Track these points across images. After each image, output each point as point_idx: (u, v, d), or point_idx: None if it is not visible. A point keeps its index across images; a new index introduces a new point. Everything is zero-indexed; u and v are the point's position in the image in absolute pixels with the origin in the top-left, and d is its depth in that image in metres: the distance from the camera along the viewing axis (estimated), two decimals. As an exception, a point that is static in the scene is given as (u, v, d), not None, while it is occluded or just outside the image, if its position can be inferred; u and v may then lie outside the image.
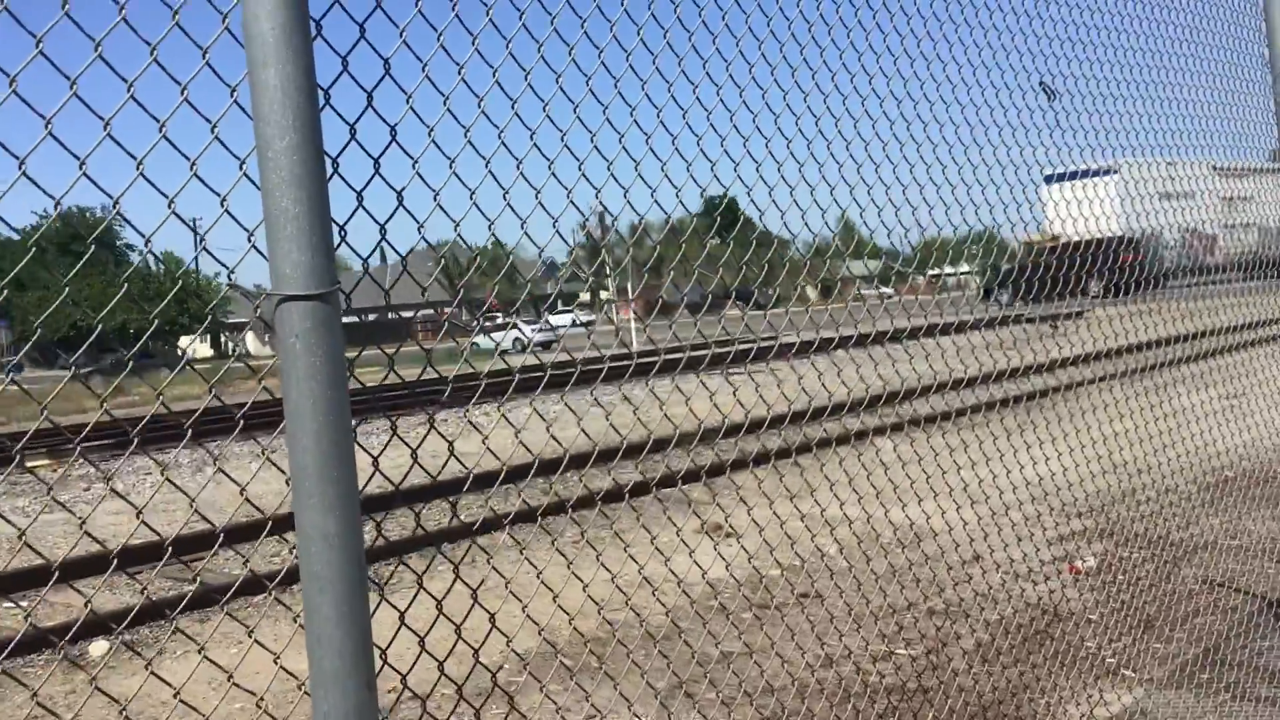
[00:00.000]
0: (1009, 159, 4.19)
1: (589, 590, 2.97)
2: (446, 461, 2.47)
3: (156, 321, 2.45)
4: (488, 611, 2.49)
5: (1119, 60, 4.69)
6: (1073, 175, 4.62)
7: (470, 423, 2.51)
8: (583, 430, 2.86)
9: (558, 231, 2.75)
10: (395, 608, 2.20)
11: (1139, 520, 6.07)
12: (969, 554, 4.35)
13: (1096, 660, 4.79)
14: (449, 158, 2.39)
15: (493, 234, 2.54)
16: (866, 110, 3.68)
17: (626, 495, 3.63)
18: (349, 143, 2.07)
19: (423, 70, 2.26)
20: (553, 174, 2.73)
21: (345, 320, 1.83)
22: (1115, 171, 4.89)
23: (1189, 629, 5.08)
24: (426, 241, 2.34)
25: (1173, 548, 5.51)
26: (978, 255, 4.94)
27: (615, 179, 2.86)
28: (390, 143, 2.15)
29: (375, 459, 2.08)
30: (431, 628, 2.27)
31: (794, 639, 4.12)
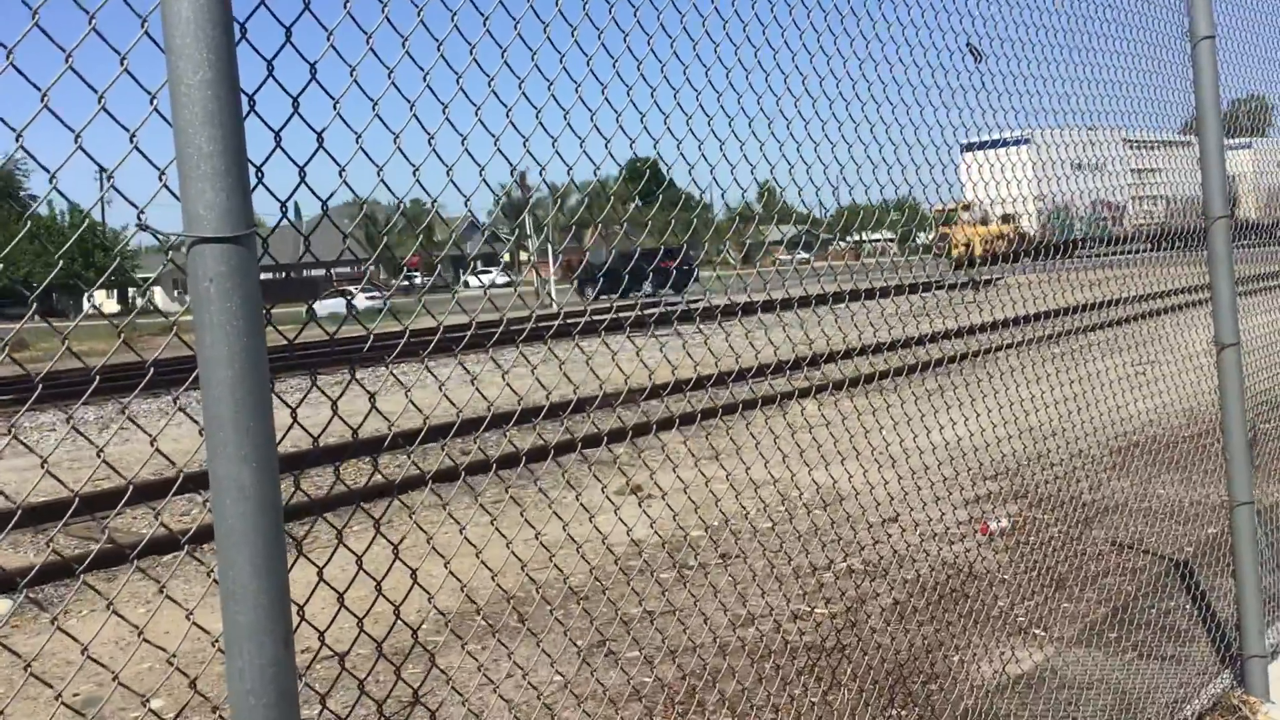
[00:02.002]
0: (924, 120, 4.18)
1: (512, 549, 2.94)
2: (367, 415, 2.41)
3: (59, 270, 2.34)
4: (409, 568, 2.44)
5: (1042, 24, 4.72)
6: (990, 145, 4.65)
7: (395, 377, 2.46)
8: (508, 387, 2.81)
9: (484, 181, 2.69)
10: (314, 564, 2.14)
11: (1050, 483, 6.19)
12: (887, 514, 4.39)
13: (1008, 619, 4.88)
14: (372, 99, 2.30)
15: (417, 180, 2.47)
16: (782, 65, 3.64)
17: (551, 454, 3.60)
18: (266, 79, 1.99)
19: (345, 7, 2.18)
20: (480, 121, 2.66)
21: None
22: (1028, 141, 4.93)
23: (1098, 589, 5.20)
24: (349, 187, 2.26)
25: (1083, 509, 5.63)
26: (898, 222, 4.97)
27: (544, 127, 2.80)
28: (310, 81, 2.06)
29: (294, 410, 2.02)
30: (350, 585, 2.22)
31: (716, 597, 4.13)
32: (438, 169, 2.61)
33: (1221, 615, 5.09)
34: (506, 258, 48.56)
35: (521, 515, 3.05)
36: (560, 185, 3.23)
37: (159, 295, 65.42)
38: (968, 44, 4.31)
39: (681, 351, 3.66)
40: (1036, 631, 4.84)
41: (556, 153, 2.86)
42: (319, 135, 2.11)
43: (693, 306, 5.18)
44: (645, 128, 3.15)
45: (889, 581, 5.14)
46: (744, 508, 4.02)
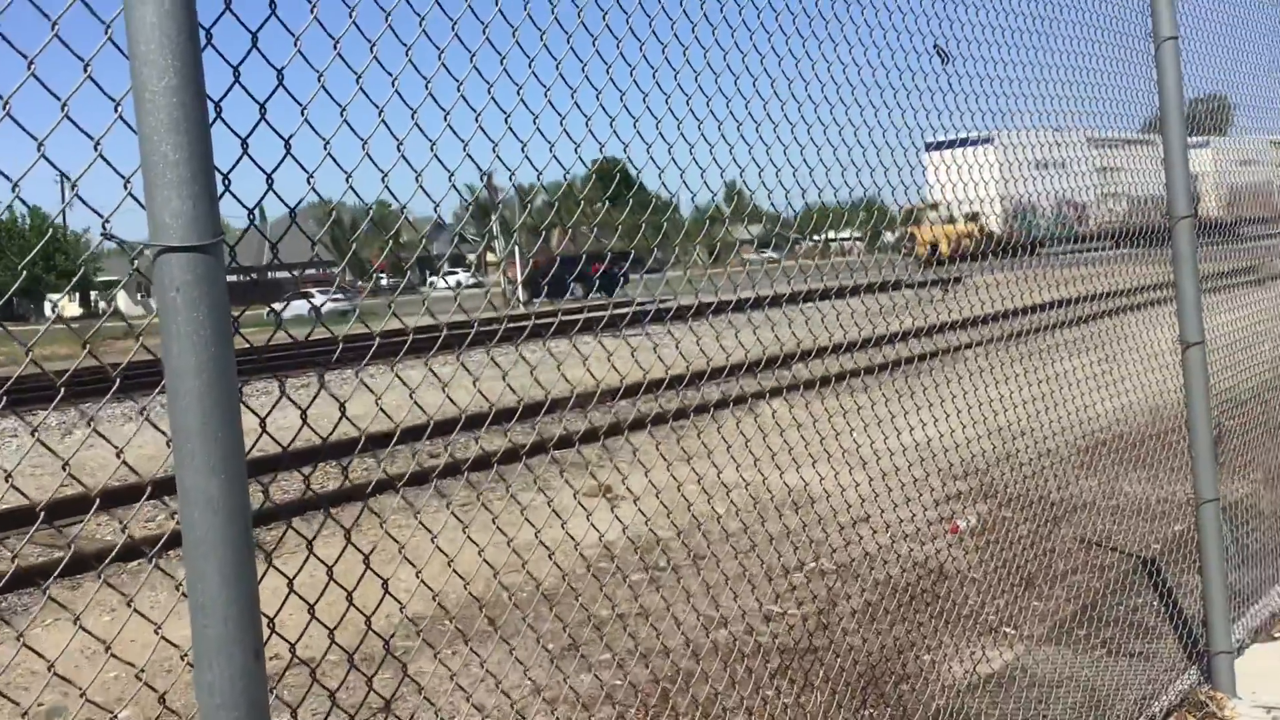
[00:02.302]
0: (890, 121, 4.19)
1: (483, 554, 2.93)
2: (338, 423, 2.39)
3: (23, 275, 2.30)
4: (380, 578, 2.42)
5: (1008, 25, 4.74)
6: (954, 144, 4.67)
7: (363, 383, 2.44)
8: (479, 391, 2.80)
9: (453, 186, 2.67)
10: (284, 574, 2.12)
11: (1019, 482, 6.22)
12: (858, 515, 4.40)
13: (979, 618, 4.90)
14: (340, 104, 2.28)
15: (386, 185, 2.44)
16: (750, 68, 3.65)
17: (522, 457, 3.58)
18: (232, 85, 1.97)
19: (312, 12, 2.16)
20: (449, 126, 2.64)
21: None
22: (992, 141, 4.96)
23: (1067, 587, 5.23)
24: (316, 193, 2.24)
25: (1051, 508, 5.66)
26: (865, 222, 4.98)
27: (512, 132, 2.79)
28: (277, 87, 2.04)
29: (262, 420, 2.00)
30: (321, 595, 2.20)
31: (688, 600, 4.13)
32: (406, 173, 2.59)
33: (1188, 612, 5.14)
34: (473, 259, 48.44)
35: (493, 521, 3.03)
36: (527, 187, 3.21)
37: (122, 299, 64.78)
38: (934, 46, 4.33)
39: (651, 353, 3.65)
40: (1007, 630, 4.87)
41: (526, 157, 2.85)
42: (286, 142, 2.09)
43: (663, 307, 5.18)
44: (614, 131, 3.15)
45: (860, 582, 5.16)
46: (715, 509, 4.02)
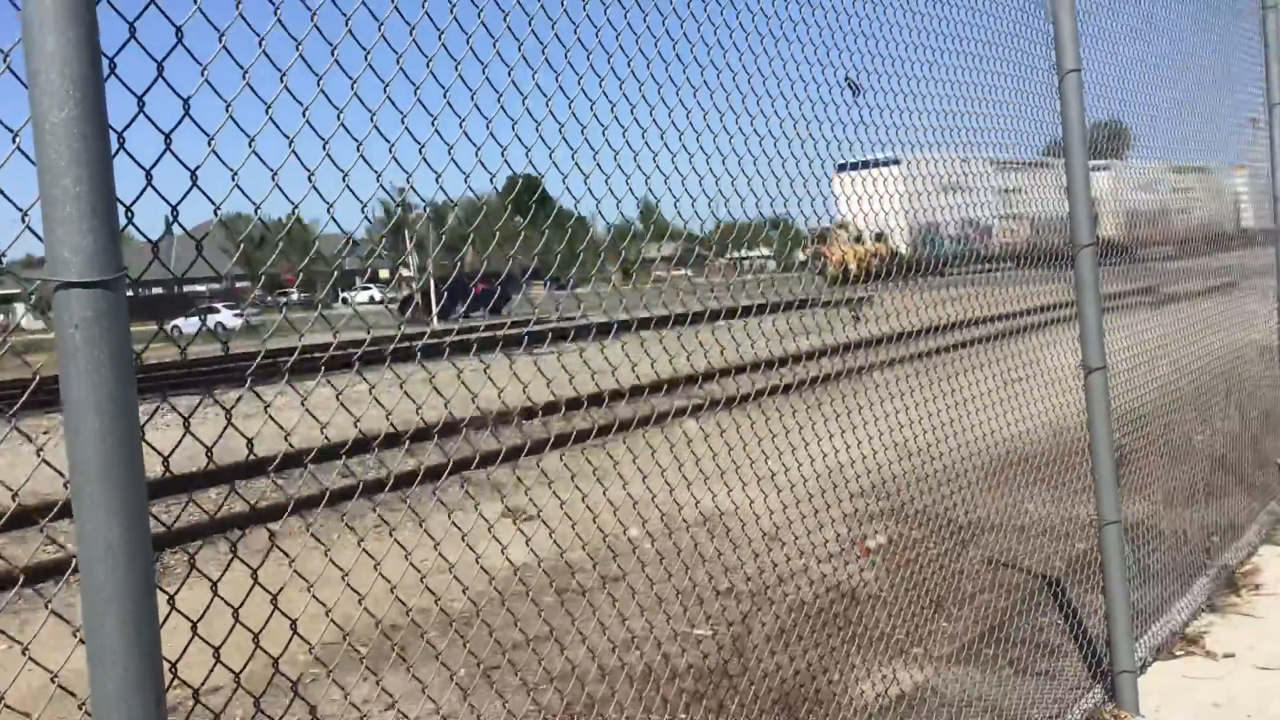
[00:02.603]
0: (804, 151, 4.20)
1: (388, 576, 2.85)
2: (252, 449, 2.30)
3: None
4: (287, 617, 2.34)
5: (921, 59, 4.78)
6: (863, 165, 4.70)
7: (258, 396, 2.35)
8: (382, 409, 2.72)
9: (365, 217, 2.61)
10: (186, 617, 2.03)
11: (926, 501, 6.26)
12: (770, 535, 4.39)
13: (889, 639, 4.91)
14: (248, 135, 2.21)
15: (296, 217, 2.38)
16: (655, 77, 3.64)
17: (421, 476, 3.51)
18: (137, 115, 1.89)
19: (220, 41, 2.09)
20: (361, 157, 2.58)
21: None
22: (899, 162, 5.00)
23: (975, 607, 5.27)
24: (224, 224, 2.17)
25: (959, 528, 5.70)
26: (775, 239, 5.00)
27: (425, 161, 2.73)
28: (183, 117, 1.98)
29: (165, 459, 1.93)
30: (231, 632, 2.12)
31: (598, 622, 4.07)
32: (319, 202, 2.52)
33: (1093, 631, 5.20)
34: (385, 275, 47.93)
35: (394, 540, 2.95)
36: (440, 203, 3.15)
37: (19, 310, 62.89)
38: (845, 78, 4.36)
39: (559, 370, 3.59)
40: (916, 651, 4.88)
41: (436, 176, 2.80)
42: (193, 174, 2.01)
43: (571, 324, 5.12)
44: (527, 149, 3.10)
45: (773, 604, 5.14)
46: (623, 529, 3.97)
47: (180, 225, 2.13)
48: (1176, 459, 6.47)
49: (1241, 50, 7.99)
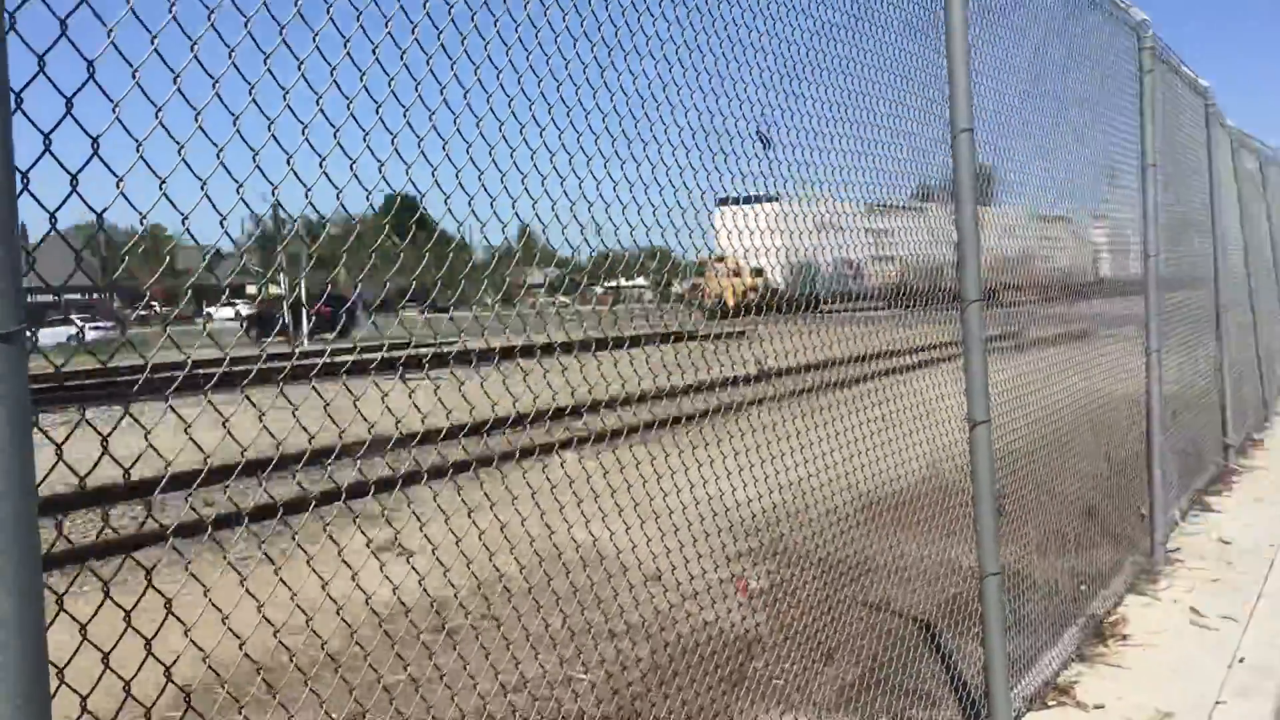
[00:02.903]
0: (683, 181, 4.11)
1: (262, 611, 2.64)
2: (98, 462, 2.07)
3: None
4: (157, 659, 2.11)
5: (817, 112, 4.75)
6: (744, 200, 4.67)
7: (133, 417, 2.14)
8: (229, 435, 2.50)
9: (226, 232, 2.41)
10: (56, 666, 1.82)
11: (805, 541, 6.21)
12: (649, 573, 4.26)
13: (766, 683, 4.81)
14: (92, 136, 2.01)
15: (144, 225, 2.18)
16: (546, 99, 3.52)
17: (280, 511, 3.29)
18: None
19: (62, 30, 1.90)
20: (221, 164, 2.40)
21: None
22: (777, 199, 4.99)
23: (852, 651, 5.21)
24: (62, 236, 1.98)
25: (835, 569, 5.65)
26: (654, 270, 4.93)
27: (296, 175, 2.55)
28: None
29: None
30: (101, 677, 1.89)
31: (470, 666, 3.87)
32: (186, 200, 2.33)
33: (970, 681, 5.19)
34: (254, 290, 46.66)
35: (242, 581, 2.73)
36: (314, 220, 2.99)
37: None
38: (756, 131, 4.33)
39: (434, 397, 3.41)
40: (795, 696, 4.79)
41: (307, 189, 2.62)
42: (24, 176, 1.80)
43: (448, 350, 4.94)
44: (406, 165, 2.94)
45: (650, 645, 5.00)
46: (497, 569, 3.79)
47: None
48: (1046, 506, 6.54)
49: (1111, 107, 8.22)
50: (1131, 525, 7.98)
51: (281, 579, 2.81)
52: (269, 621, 2.76)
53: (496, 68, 3.23)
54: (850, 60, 4.97)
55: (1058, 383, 7.07)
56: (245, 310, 44.68)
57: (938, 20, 4.97)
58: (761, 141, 4.38)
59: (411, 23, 2.92)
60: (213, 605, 2.46)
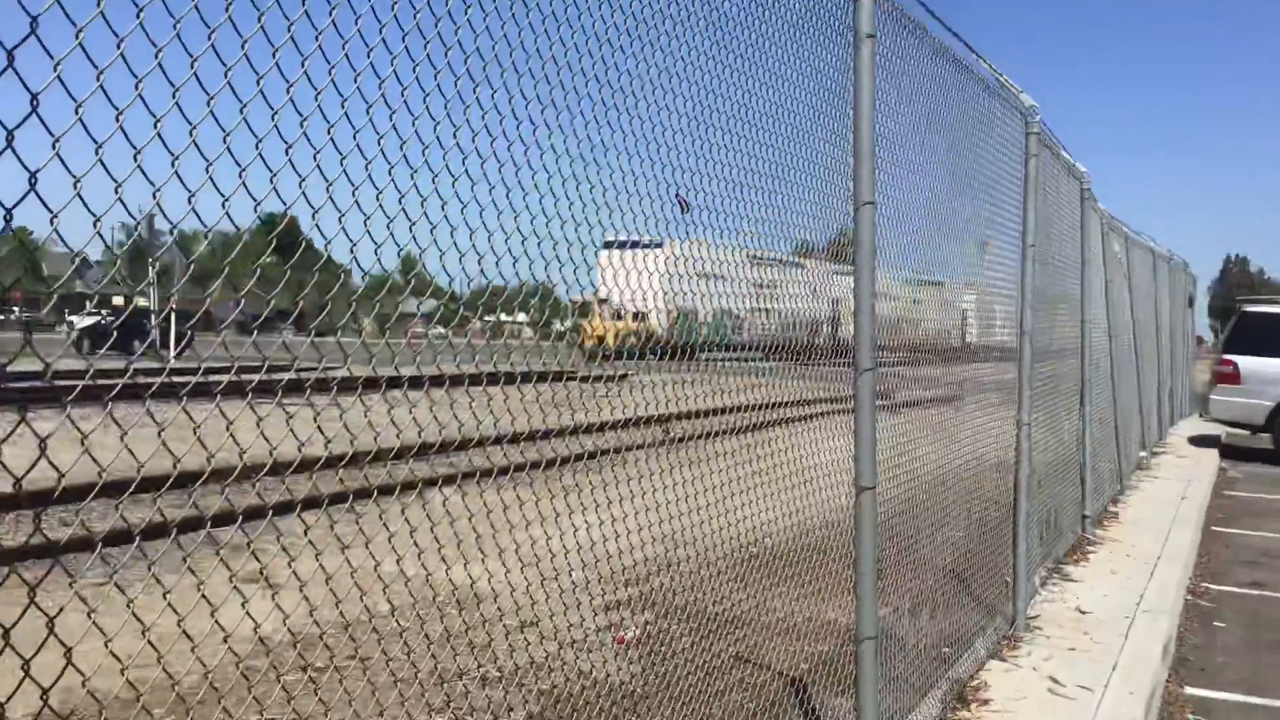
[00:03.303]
0: (570, 214, 4.05)
1: (111, 645, 2.46)
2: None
3: None
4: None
5: (728, 176, 4.75)
6: (631, 244, 4.65)
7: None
8: (88, 454, 2.33)
9: (99, 235, 2.27)
10: None
11: (679, 592, 6.15)
12: (526, 617, 4.14)
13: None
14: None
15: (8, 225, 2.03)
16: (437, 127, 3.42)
17: (138, 538, 3.10)
18: None
19: None
20: (101, 161, 2.25)
21: None
22: (662, 245, 4.98)
23: (723, 705, 5.14)
24: None
25: (708, 621, 5.60)
26: (535, 307, 4.87)
27: (180, 179, 2.42)
28: None
29: None
30: None
31: (331, 713, 3.68)
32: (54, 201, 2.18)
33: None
34: (121, 301, 45.00)
35: (130, 609, 2.55)
36: (190, 233, 2.85)
37: None
38: (676, 195, 4.32)
39: (312, 425, 3.26)
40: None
41: (193, 209, 2.49)
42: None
43: (330, 375, 4.76)
44: (272, 174, 2.82)
45: (523, 693, 4.86)
46: (367, 608, 3.64)
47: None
48: (918, 569, 6.61)
49: (996, 183, 8.43)
50: (996, 591, 8.12)
51: (133, 612, 2.63)
52: (117, 658, 2.58)
53: (380, 80, 3.10)
54: (758, 117, 4.99)
55: (928, 447, 7.17)
56: (80, 322, 42.02)
57: (845, 92, 5.03)
58: (681, 206, 4.38)
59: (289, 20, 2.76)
60: (56, 638, 2.29)
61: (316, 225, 3.00)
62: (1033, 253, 8.39)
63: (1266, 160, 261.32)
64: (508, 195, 3.69)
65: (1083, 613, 8.64)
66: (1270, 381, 20.58)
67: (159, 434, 2.55)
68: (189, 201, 2.50)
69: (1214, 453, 20.88)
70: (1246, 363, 20.93)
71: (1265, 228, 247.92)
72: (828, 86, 5.30)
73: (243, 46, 2.54)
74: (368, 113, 3.01)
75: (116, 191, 2.26)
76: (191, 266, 2.91)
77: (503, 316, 5.07)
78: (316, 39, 2.82)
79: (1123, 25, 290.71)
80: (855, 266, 4.79)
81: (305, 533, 3.24)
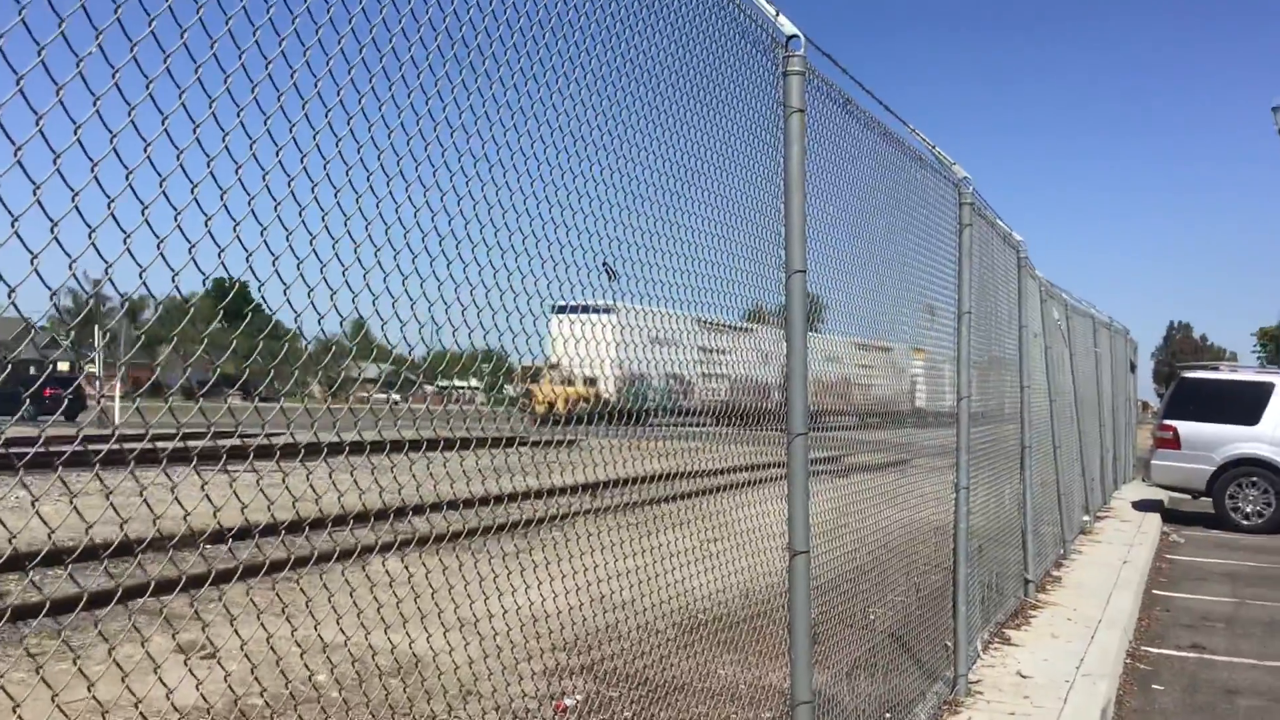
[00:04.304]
0: (523, 287, 4.14)
1: (56, 700, 2.49)
2: None
3: None
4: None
5: (657, 246, 4.87)
6: (579, 309, 4.73)
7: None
8: (39, 517, 2.38)
9: (55, 307, 2.34)
10: None
11: (621, 658, 6.18)
12: (468, 686, 4.17)
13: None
14: None
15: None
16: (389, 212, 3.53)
17: (84, 602, 3.12)
18: None
19: None
20: (55, 239, 2.34)
21: None
22: (612, 310, 5.07)
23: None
24: None
25: (651, 689, 5.63)
26: (486, 372, 4.93)
27: (131, 251, 2.50)
28: None
29: None
30: None
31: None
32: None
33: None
34: (66, 367, 44.46)
35: (41, 677, 2.59)
36: (136, 298, 2.91)
37: None
38: (603, 264, 4.42)
39: (255, 489, 3.32)
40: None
41: (142, 270, 2.57)
42: None
43: (274, 441, 4.80)
44: (220, 248, 2.91)
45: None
46: (310, 670, 3.67)
47: None
48: (857, 630, 6.68)
49: (934, 251, 8.66)
50: (937, 655, 8.20)
51: (82, 671, 2.67)
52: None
53: (324, 158, 3.20)
54: (693, 190, 5.13)
55: (872, 511, 7.27)
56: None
57: (776, 164, 5.18)
58: (607, 273, 4.48)
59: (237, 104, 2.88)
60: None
61: (262, 296, 3.08)
62: (968, 319, 8.61)
63: (1208, 229, 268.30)
64: (449, 267, 3.78)
65: (1023, 677, 8.73)
66: (1210, 446, 20.96)
67: (106, 497, 2.60)
68: (140, 276, 2.57)
69: (1156, 517, 21.18)
70: (1186, 428, 21.31)
71: (1207, 295, 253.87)
72: (759, 159, 5.47)
73: (194, 131, 2.64)
74: (313, 191, 3.11)
75: (70, 269, 2.34)
76: (141, 337, 2.99)
77: (456, 381, 5.14)
78: (265, 123, 2.93)
79: (1064, 97, 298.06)
80: (787, 333, 4.91)
81: (248, 593, 3.28)
